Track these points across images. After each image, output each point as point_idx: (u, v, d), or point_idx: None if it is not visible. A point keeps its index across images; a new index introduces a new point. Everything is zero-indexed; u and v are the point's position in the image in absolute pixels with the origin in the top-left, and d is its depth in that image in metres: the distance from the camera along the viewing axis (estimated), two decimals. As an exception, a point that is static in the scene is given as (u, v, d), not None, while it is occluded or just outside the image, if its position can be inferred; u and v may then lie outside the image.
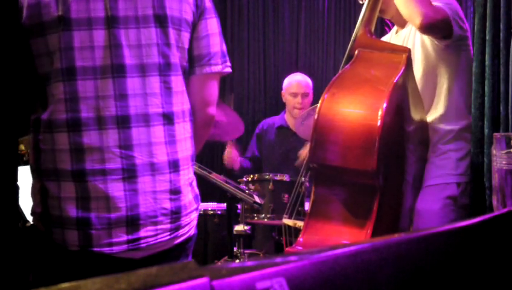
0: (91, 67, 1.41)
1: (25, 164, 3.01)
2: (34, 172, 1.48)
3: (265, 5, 5.14)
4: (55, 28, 1.41)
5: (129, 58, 1.43)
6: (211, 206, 3.72)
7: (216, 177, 2.93)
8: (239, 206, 3.34)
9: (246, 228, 3.33)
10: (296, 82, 3.94)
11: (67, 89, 1.41)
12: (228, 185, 2.97)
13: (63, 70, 1.41)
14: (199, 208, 1.61)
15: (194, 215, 1.56)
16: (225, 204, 3.15)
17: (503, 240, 0.70)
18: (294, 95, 3.90)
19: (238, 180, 3.44)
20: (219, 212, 3.61)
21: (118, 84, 1.42)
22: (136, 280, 0.37)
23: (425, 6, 1.92)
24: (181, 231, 1.50)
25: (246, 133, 4.00)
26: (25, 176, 2.62)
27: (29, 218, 2.51)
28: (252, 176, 3.45)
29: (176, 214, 1.48)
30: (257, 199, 3.13)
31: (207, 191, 3.13)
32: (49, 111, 1.43)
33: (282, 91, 4.05)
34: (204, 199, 2.05)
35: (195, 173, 1.64)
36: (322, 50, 5.12)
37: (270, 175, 3.43)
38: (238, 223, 3.38)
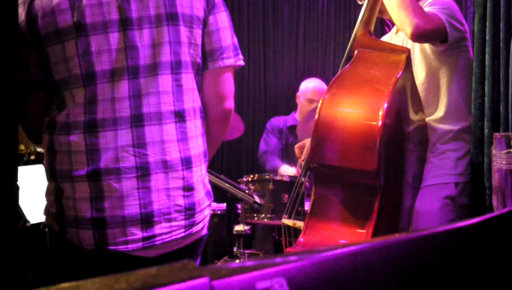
0: (109, 71, 1.42)
1: (25, 164, 3.02)
2: (48, 173, 1.49)
3: (265, 5, 5.14)
4: (72, 34, 1.42)
5: (144, 58, 1.44)
6: (210, 206, 3.72)
7: (216, 177, 2.93)
8: (239, 206, 3.34)
9: (245, 228, 3.32)
10: (313, 89, 4.02)
11: (88, 93, 1.42)
12: (228, 185, 2.97)
13: (83, 76, 1.42)
14: None
15: (208, 212, 1.57)
16: (225, 204, 3.15)
17: (503, 240, 0.70)
18: (311, 101, 3.97)
19: (238, 180, 3.44)
20: (219, 212, 3.61)
21: (133, 85, 1.43)
22: (135, 280, 0.37)
23: (417, 16, 1.89)
24: (195, 228, 1.50)
25: (246, 133, 4.01)
26: (25, 176, 2.63)
27: (30, 218, 2.52)
28: (252, 176, 3.45)
29: (189, 211, 1.48)
30: (257, 199, 3.13)
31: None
32: (67, 114, 1.43)
33: (298, 93, 4.12)
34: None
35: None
36: (322, 50, 5.12)
37: (270, 175, 3.44)
38: (238, 223, 3.38)
